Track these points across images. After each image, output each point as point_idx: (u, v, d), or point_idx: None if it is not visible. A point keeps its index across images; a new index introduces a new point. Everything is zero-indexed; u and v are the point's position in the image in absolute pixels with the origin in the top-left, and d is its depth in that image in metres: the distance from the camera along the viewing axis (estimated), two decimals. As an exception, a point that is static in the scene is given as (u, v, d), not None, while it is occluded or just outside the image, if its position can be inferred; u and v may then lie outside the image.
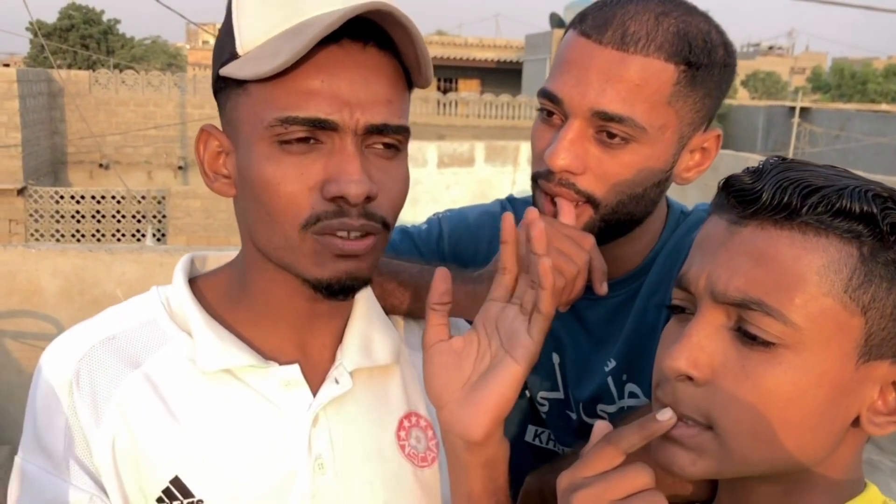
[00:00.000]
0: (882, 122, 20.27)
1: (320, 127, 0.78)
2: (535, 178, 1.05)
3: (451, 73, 31.70)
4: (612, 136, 0.98)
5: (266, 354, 0.89)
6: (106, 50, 32.26)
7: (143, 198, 17.32)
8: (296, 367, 0.89)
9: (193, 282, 0.94)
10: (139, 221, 17.37)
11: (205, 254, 1.00)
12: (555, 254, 0.93)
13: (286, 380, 0.88)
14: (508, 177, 11.18)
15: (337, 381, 0.90)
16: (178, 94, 20.45)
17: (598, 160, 0.99)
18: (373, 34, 0.80)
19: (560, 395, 1.20)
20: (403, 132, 0.83)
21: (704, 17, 1.01)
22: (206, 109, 20.38)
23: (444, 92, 25.77)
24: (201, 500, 0.84)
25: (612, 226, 1.04)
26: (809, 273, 0.66)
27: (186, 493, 0.84)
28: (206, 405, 0.87)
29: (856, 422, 0.70)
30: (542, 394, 1.22)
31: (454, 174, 11.19)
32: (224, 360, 0.86)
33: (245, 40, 0.80)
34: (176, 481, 0.84)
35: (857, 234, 0.66)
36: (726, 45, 1.02)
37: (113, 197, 17.31)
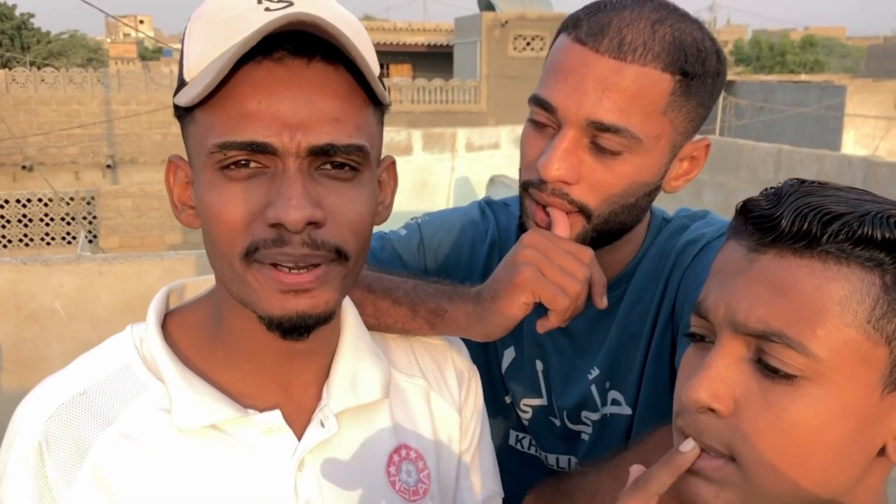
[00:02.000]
0: (802, 92, 20.89)
1: (259, 151, 0.74)
2: (527, 187, 1.03)
3: (381, 59, 31.30)
4: (606, 146, 0.97)
5: (245, 399, 0.85)
6: (20, 46, 31.05)
7: (72, 199, 16.79)
8: (277, 414, 0.85)
9: (169, 318, 0.89)
10: (69, 224, 16.85)
11: (182, 283, 0.94)
12: (557, 271, 0.93)
13: (268, 426, 0.85)
14: (447, 164, 11.19)
15: (322, 424, 0.87)
16: (102, 90, 19.82)
17: (592, 170, 0.98)
18: (320, 48, 0.74)
19: (543, 401, 1.20)
20: (356, 152, 0.76)
21: (697, 25, 1.00)
22: (133, 106, 19.83)
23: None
24: None
25: (602, 235, 1.03)
26: (831, 304, 0.63)
27: None
28: (185, 461, 0.83)
29: (881, 451, 0.68)
30: (525, 400, 1.21)
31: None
32: (203, 417, 0.82)
33: (190, 66, 0.77)
34: None
35: (880, 262, 0.64)
36: (718, 54, 1.01)
37: (39, 200, 16.73)
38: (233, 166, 0.75)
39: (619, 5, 0.99)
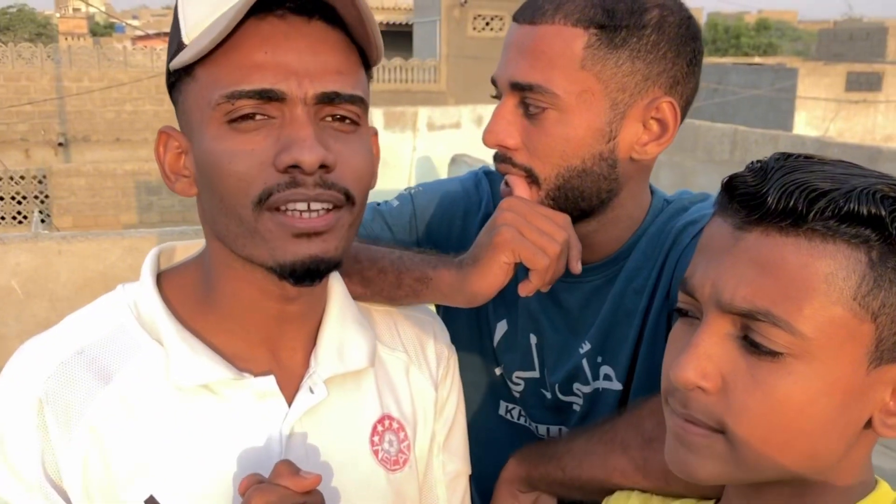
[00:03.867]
0: (755, 74, 21.20)
1: (268, 98, 0.76)
2: (494, 161, 1.10)
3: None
4: (532, 106, 1.01)
5: (239, 363, 0.87)
6: (-34, 20, 30.05)
7: (22, 178, 16.38)
8: (271, 379, 0.87)
9: (160, 280, 0.90)
10: (20, 203, 16.46)
11: (172, 245, 0.96)
12: (535, 232, 0.96)
13: (262, 391, 0.86)
14: (409, 143, 11.16)
15: (311, 391, 0.89)
16: (53, 66, 19.31)
17: (528, 133, 1.02)
18: (317, 9, 0.78)
19: (536, 374, 1.21)
20: (358, 102, 0.81)
21: None
22: (85, 82, 19.35)
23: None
24: None
25: (561, 204, 1.04)
26: (817, 282, 0.64)
27: None
28: (180, 421, 0.85)
29: (868, 424, 0.69)
30: (517, 373, 1.23)
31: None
32: (200, 376, 0.84)
33: (189, 28, 0.80)
34: (150, 501, 0.83)
35: (865, 238, 0.63)
36: (663, 6, 1.00)
37: (-12, 178, 16.31)
38: (240, 120, 0.77)
39: None
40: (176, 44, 0.82)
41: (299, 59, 0.77)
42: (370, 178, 0.84)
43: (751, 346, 0.67)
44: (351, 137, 0.81)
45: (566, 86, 0.99)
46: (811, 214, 0.64)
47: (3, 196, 16.50)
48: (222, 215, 0.80)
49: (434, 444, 1.04)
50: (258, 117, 0.77)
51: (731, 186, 0.70)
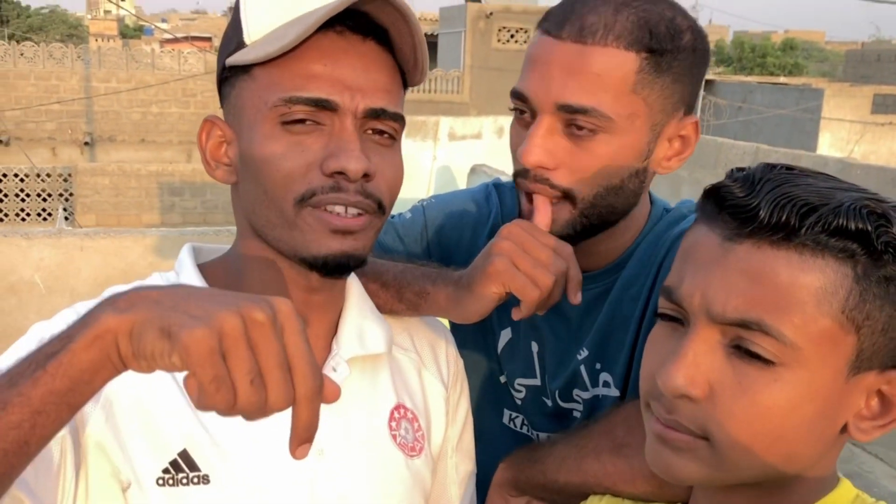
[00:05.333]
0: (781, 94, 21.09)
1: (321, 107, 0.83)
2: (515, 177, 1.07)
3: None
4: (580, 128, 0.99)
5: None
6: (-1, 19, 30.56)
7: (49, 175, 16.60)
8: None
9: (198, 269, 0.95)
10: (45, 200, 16.67)
11: (199, 245, 1.01)
12: (530, 264, 0.95)
13: None
14: (429, 152, 11.20)
15: (335, 370, 0.93)
16: (83, 66, 19.58)
17: (570, 153, 1.01)
18: (372, 31, 0.86)
19: (537, 381, 1.22)
20: (400, 120, 0.89)
21: (669, 4, 1.02)
22: (113, 83, 19.60)
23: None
24: (206, 476, 0.86)
25: (594, 220, 1.06)
26: (808, 295, 0.66)
27: (193, 467, 0.86)
28: None
29: (843, 428, 0.72)
30: (519, 380, 1.24)
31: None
32: None
33: (252, 30, 0.86)
34: (184, 454, 0.86)
35: (852, 252, 0.66)
36: (694, 29, 1.02)
37: (15, 175, 16.53)
38: (293, 123, 0.84)
39: None
40: (235, 42, 0.87)
41: (353, 74, 0.84)
42: (399, 189, 0.92)
43: (744, 354, 0.68)
44: (388, 151, 0.89)
45: (617, 109, 0.99)
46: (803, 229, 0.66)
47: (30, 193, 16.72)
48: (263, 206, 0.86)
49: (448, 445, 1.09)
50: (309, 122, 0.84)
51: (720, 197, 0.71)
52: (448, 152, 11.16)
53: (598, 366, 1.16)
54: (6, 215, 16.85)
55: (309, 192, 0.84)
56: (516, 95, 1.04)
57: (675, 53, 1.00)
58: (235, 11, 0.89)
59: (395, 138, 0.90)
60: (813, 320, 0.66)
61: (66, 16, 37.98)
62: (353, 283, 1.01)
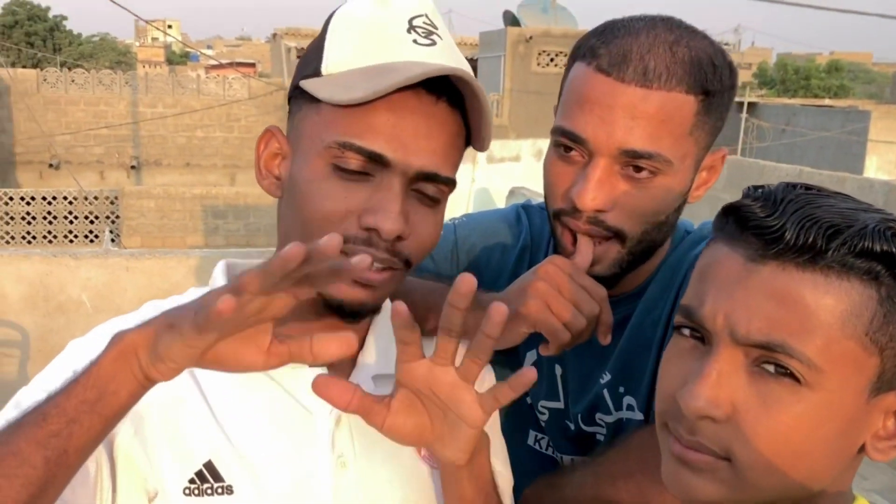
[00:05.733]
0: (825, 116, 20.78)
1: (374, 160, 0.83)
2: (558, 215, 1.05)
3: (405, 70, 31.58)
4: (639, 169, 0.99)
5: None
6: (52, 47, 31.51)
7: (96, 198, 16.99)
8: (324, 371, 0.92)
9: None
10: (92, 222, 17.04)
11: (234, 262, 1.04)
12: (564, 308, 0.95)
13: None
14: (467, 175, 11.25)
15: (360, 384, 0.93)
16: (130, 92, 20.09)
17: (626, 195, 1.00)
18: (447, 91, 0.86)
19: (560, 404, 1.22)
20: (450, 185, 0.89)
21: (708, 40, 1.02)
22: (159, 108, 20.06)
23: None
24: (230, 486, 0.87)
25: (637, 256, 1.06)
26: (832, 317, 0.66)
27: (217, 478, 0.87)
28: (239, 398, 0.90)
29: (861, 448, 0.72)
30: (542, 402, 1.24)
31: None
32: None
33: (330, 63, 0.87)
34: (209, 465, 0.87)
35: (876, 274, 0.66)
36: (731, 66, 1.03)
37: (65, 198, 16.95)
38: (343, 170, 0.85)
39: (633, 29, 1.00)
40: (313, 67, 0.89)
41: (415, 134, 0.84)
42: (432, 249, 0.93)
43: (768, 373, 0.68)
44: (430, 212, 0.89)
45: (675, 152, 0.99)
46: (829, 251, 0.66)
47: (78, 215, 17.13)
48: (297, 235, 0.87)
49: None
50: (359, 171, 0.85)
51: (742, 217, 0.71)
52: (487, 175, 11.19)
53: (621, 389, 1.15)
54: (55, 237, 17.27)
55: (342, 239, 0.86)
56: (568, 135, 1.01)
57: (722, 93, 1.01)
58: (322, 33, 0.90)
59: (439, 200, 0.90)
60: (836, 342, 0.66)
61: (116, 43, 39.01)
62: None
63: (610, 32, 1.01)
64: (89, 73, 20.48)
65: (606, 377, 1.16)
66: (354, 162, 0.84)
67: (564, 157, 1.03)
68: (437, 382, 0.81)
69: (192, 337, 0.68)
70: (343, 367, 0.96)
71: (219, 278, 0.97)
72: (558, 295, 0.96)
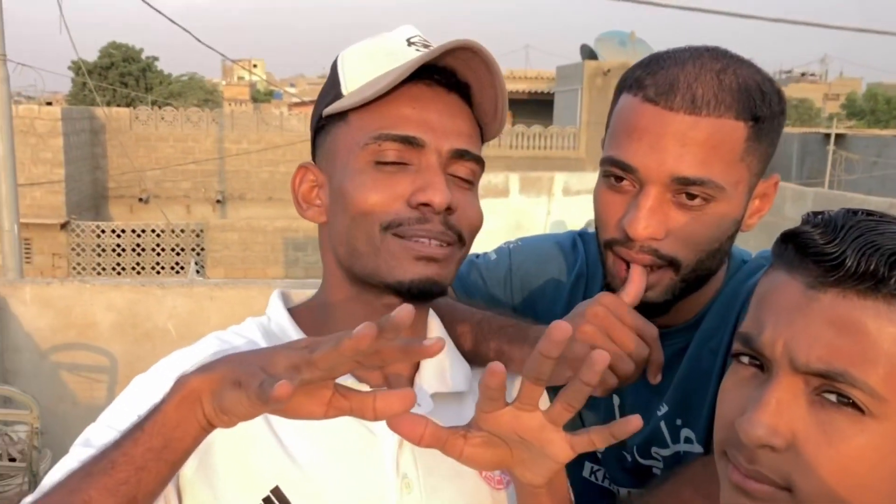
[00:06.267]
0: (919, 147, 20.02)
1: (409, 143, 0.89)
2: (610, 245, 1.04)
3: (482, 105, 31.88)
4: (691, 196, 0.98)
5: (356, 378, 0.92)
6: (144, 87, 32.99)
7: (182, 231, 17.60)
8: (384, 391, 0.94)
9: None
10: (178, 254, 17.64)
11: (287, 291, 1.08)
12: (613, 353, 0.93)
13: None
14: (543, 207, 11.24)
15: (419, 404, 0.91)
16: (216, 129, 20.86)
17: (679, 223, 0.99)
18: (455, 86, 0.94)
19: None
20: (480, 163, 0.95)
21: (755, 68, 1.02)
22: (244, 144, 20.75)
23: (476, 123, 25.87)
24: None
25: (691, 283, 1.04)
26: (894, 346, 0.64)
27: (285, 503, 0.88)
28: (304, 423, 0.88)
29: None
30: None
31: (489, 205, 11.26)
32: None
33: (349, 82, 0.95)
34: (276, 491, 0.88)
35: None
36: (779, 93, 1.03)
37: (153, 230, 17.61)
38: (383, 164, 0.90)
39: (679, 59, 1.00)
40: (333, 94, 0.96)
41: (440, 118, 0.92)
42: (480, 227, 0.97)
43: (829, 403, 0.66)
44: (468, 193, 0.95)
45: (727, 178, 0.99)
46: (892, 279, 0.64)
47: (165, 247, 17.76)
48: (351, 236, 0.92)
49: None
50: (398, 163, 0.90)
51: (800, 243, 0.70)
52: (562, 207, 11.15)
53: (678, 422, 1.12)
54: (143, 268, 17.94)
55: (395, 221, 0.89)
56: (618, 165, 1.01)
57: (772, 119, 1.01)
58: (333, 71, 0.98)
59: (473, 183, 0.95)
60: None
61: (203, 82, 40.56)
62: (434, 321, 1.05)
63: (655, 64, 1.02)
64: (178, 110, 21.38)
65: (664, 409, 1.14)
66: (392, 152, 0.90)
67: (615, 187, 1.03)
68: (523, 427, 0.82)
69: (256, 405, 0.70)
70: (400, 387, 0.96)
71: (277, 309, 1.00)
72: (606, 339, 0.95)
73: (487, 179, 11.21)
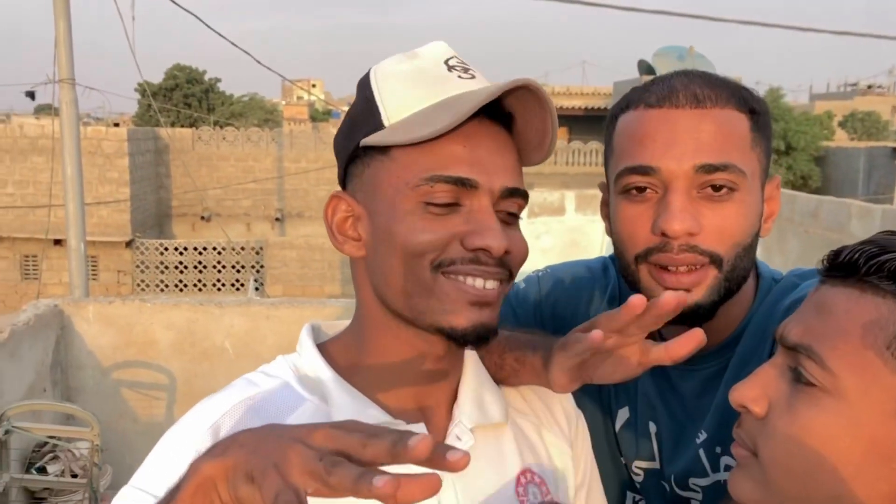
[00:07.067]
0: None
1: (463, 185, 0.86)
2: (645, 257, 1.03)
3: (538, 122, 31.86)
4: (717, 188, 0.98)
5: (392, 415, 0.92)
6: (207, 107, 33.82)
7: (243, 248, 17.92)
8: (422, 426, 0.91)
9: (317, 347, 0.98)
10: (238, 272, 17.96)
11: (318, 323, 1.05)
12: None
13: None
14: (599, 225, 11.12)
15: (459, 438, 0.93)
16: (276, 148, 21.24)
17: (711, 217, 0.99)
18: (500, 117, 0.90)
19: (656, 464, 1.18)
20: (527, 198, 0.92)
21: (730, 80, 1.06)
22: (302, 163, 21.08)
23: (532, 140, 25.85)
24: None
25: (732, 285, 1.03)
26: (855, 326, 0.70)
27: None
28: None
29: None
30: (637, 463, 1.19)
31: (544, 224, 11.18)
32: (361, 419, 0.89)
33: (391, 113, 0.89)
34: None
35: None
36: (761, 98, 1.07)
37: (214, 248, 17.98)
38: (432, 205, 0.87)
39: (666, 77, 1.04)
40: (373, 123, 0.90)
41: (490, 156, 0.88)
42: (525, 260, 0.94)
43: (794, 375, 0.75)
44: (514, 228, 0.93)
45: (745, 164, 1.00)
46: (865, 268, 0.72)
47: (226, 265, 18.11)
48: (400, 275, 0.88)
49: (577, 500, 1.06)
50: (450, 204, 0.87)
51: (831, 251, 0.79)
52: (621, 225, 11.03)
53: (718, 449, 1.09)
54: (205, 285, 18.32)
55: (448, 259, 0.86)
56: (637, 170, 1.00)
57: (766, 115, 1.04)
58: (366, 94, 0.93)
59: (518, 216, 0.93)
60: (855, 351, 0.70)
61: (264, 102, 41.42)
62: (469, 352, 1.01)
63: (645, 86, 1.05)
64: (239, 130, 21.84)
65: (702, 436, 1.11)
66: (444, 194, 0.86)
67: (637, 199, 1.02)
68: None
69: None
70: (438, 420, 0.95)
71: (307, 347, 0.97)
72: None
73: (543, 197, 11.14)
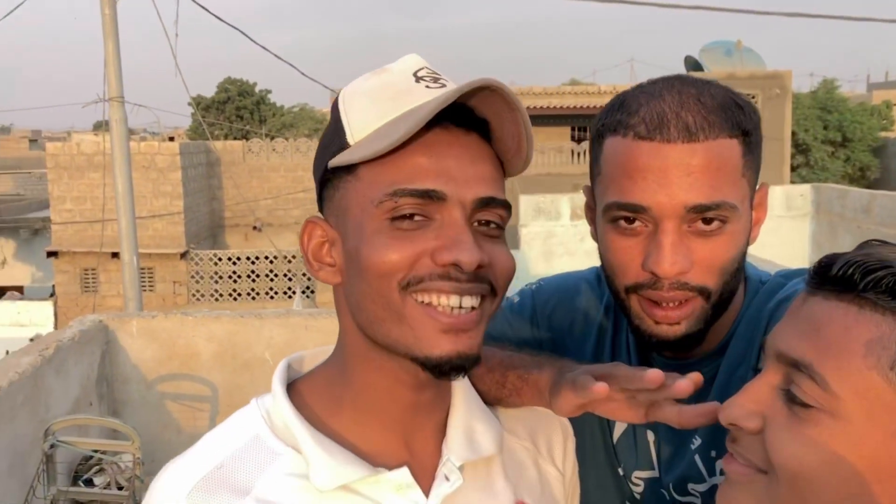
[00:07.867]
0: None
1: (429, 198, 0.80)
2: (635, 289, 1.03)
3: (584, 122, 31.59)
4: (708, 221, 0.98)
5: (374, 458, 0.88)
6: (259, 119, 34.38)
7: (294, 257, 18.16)
8: (405, 471, 0.88)
9: (293, 387, 0.93)
10: (290, 280, 18.21)
11: (301, 355, 1.00)
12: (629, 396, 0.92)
13: (398, 484, 0.87)
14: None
15: (447, 478, 0.89)
16: (324, 158, 21.52)
17: (702, 252, 0.99)
18: (474, 124, 0.84)
19: (655, 473, 1.17)
20: (508, 208, 0.86)
21: (721, 85, 1.03)
22: (350, 171, 21.32)
23: (578, 141, 25.67)
24: None
25: (718, 308, 1.03)
26: (857, 345, 0.68)
27: None
28: None
29: None
30: (636, 473, 1.19)
31: (583, 227, 11.11)
32: (339, 478, 0.85)
33: (355, 131, 0.85)
34: None
35: None
36: (751, 104, 1.04)
37: (266, 257, 18.27)
38: (401, 219, 0.82)
39: (653, 92, 1.00)
40: (338, 144, 0.87)
41: (459, 166, 0.82)
42: (512, 278, 0.88)
43: (788, 396, 0.72)
44: (497, 241, 0.86)
45: (736, 196, 0.99)
46: (863, 284, 0.69)
47: (277, 273, 18.39)
48: (369, 300, 0.83)
49: None
50: (418, 218, 0.81)
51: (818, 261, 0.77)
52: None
53: (713, 454, 1.08)
54: (258, 294, 18.62)
55: (416, 277, 0.80)
56: (627, 208, 0.99)
57: (757, 130, 1.02)
58: (335, 117, 0.89)
59: (501, 228, 0.87)
60: (858, 372, 0.68)
61: (313, 112, 41.78)
62: (458, 383, 0.96)
63: (632, 101, 1.01)
64: (288, 141, 22.18)
65: (697, 442, 1.10)
66: (410, 207, 0.81)
67: (626, 231, 1.01)
68: None
69: None
70: (426, 457, 0.91)
71: (278, 396, 0.92)
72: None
73: (580, 201, 11.05)
